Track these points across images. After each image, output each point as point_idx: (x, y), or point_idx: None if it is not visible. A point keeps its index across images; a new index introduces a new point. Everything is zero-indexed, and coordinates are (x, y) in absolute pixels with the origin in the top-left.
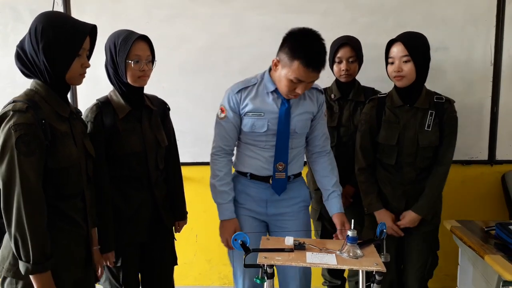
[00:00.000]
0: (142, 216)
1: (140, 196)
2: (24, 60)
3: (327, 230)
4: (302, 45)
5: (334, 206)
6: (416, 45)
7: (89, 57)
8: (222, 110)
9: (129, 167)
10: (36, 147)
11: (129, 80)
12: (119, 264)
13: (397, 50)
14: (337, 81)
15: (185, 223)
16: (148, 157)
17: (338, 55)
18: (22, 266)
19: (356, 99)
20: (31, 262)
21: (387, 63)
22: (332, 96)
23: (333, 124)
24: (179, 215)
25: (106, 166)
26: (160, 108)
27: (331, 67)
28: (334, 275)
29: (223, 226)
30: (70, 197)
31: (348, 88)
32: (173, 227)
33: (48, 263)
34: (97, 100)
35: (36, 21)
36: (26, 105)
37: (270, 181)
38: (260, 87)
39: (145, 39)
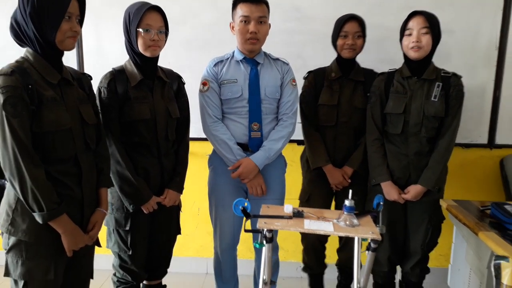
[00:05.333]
0: (152, 183)
1: (149, 163)
2: (16, 30)
3: None
4: None
5: (253, 155)
6: (435, 19)
7: (81, 23)
8: (204, 84)
9: (138, 133)
10: (22, 109)
11: (140, 49)
12: (127, 228)
13: (418, 22)
14: (338, 59)
15: (175, 196)
16: (157, 126)
17: (344, 29)
18: (38, 217)
19: (357, 78)
20: (45, 211)
21: (402, 36)
22: (333, 74)
23: (334, 103)
24: (172, 183)
25: (118, 131)
26: (175, 82)
27: (334, 43)
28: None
29: (246, 166)
30: (59, 161)
31: (348, 67)
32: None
33: (61, 207)
34: (112, 68)
35: None
36: (11, 69)
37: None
38: (232, 59)
39: (158, 9)
